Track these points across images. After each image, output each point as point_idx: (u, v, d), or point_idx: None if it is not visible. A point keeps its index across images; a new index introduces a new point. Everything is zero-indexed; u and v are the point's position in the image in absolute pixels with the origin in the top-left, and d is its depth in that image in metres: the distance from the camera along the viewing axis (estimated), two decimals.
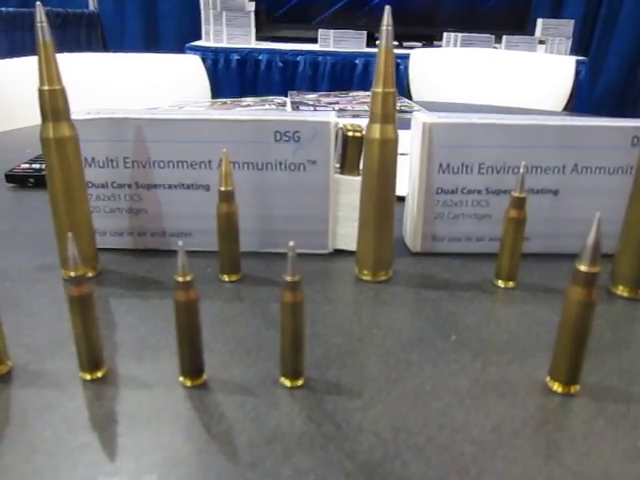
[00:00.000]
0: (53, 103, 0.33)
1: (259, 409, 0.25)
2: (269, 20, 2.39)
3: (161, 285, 0.36)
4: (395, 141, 0.34)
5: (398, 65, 2.15)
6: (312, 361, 0.28)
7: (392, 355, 0.29)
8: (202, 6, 2.27)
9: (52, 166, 0.34)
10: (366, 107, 1.00)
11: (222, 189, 0.35)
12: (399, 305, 0.34)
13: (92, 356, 0.27)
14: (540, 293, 0.36)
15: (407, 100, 1.10)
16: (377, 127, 0.34)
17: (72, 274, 0.25)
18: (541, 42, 2.14)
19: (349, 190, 0.39)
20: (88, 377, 0.27)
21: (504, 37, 2.14)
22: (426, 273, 0.38)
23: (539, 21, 2.19)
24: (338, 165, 0.40)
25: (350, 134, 0.39)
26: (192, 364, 0.26)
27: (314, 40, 2.23)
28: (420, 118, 0.38)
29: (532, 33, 2.20)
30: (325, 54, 2.17)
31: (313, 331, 0.31)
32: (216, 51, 2.19)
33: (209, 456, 0.22)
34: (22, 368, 0.27)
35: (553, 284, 0.37)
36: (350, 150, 0.39)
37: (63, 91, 0.33)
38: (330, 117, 0.38)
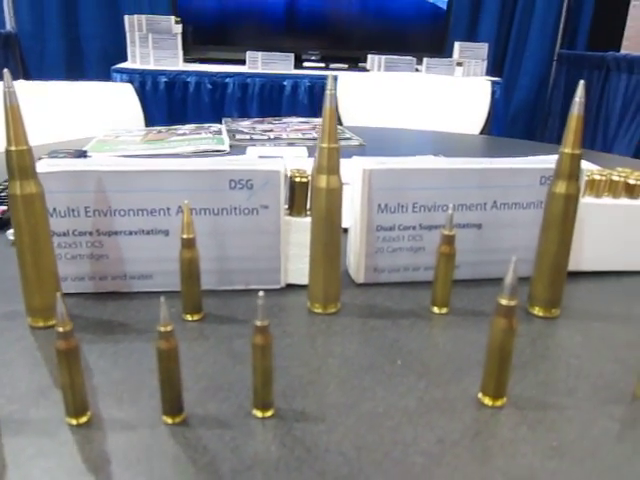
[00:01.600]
0: (20, 162, 0.35)
1: (237, 439, 0.28)
2: (196, 42, 2.41)
3: (127, 328, 0.39)
4: (339, 189, 0.39)
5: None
6: (279, 392, 0.31)
7: (347, 382, 0.33)
8: (127, 28, 2.25)
9: (19, 221, 0.36)
10: (300, 135, 1.05)
11: (184, 237, 0.38)
12: (349, 335, 0.38)
13: (78, 403, 0.29)
14: (470, 317, 0.41)
15: (340, 127, 1.15)
16: (324, 177, 0.38)
17: (60, 329, 0.27)
18: (459, 64, 2.27)
19: (298, 230, 0.43)
20: (74, 422, 0.29)
21: (424, 59, 2.26)
22: (370, 303, 0.43)
23: (456, 44, 2.33)
24: (287, 207, 0.44)
25: (297, 180, 0.43)
26: (173, 404, 0.29)
27: (242, 62, 2.26)
28: (360, 164, 0.43)
29: (450, 55, 2.33)
30: (254, 76, 2.21)
31: (276, 364, 0.34)
32: (143, 73, 2.18)
33: None
34: (8, 417, 0.29)
35: (480, 307, 0.42)
36: (298, 194, 0.43)
37: (30, 151, 0.36)
38: (279, 166, 0.42)
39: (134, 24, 2.26)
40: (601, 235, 0.47)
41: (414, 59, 2.28)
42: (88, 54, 2.61)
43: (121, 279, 0.43)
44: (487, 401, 0.31)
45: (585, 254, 0.47)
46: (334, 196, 0.38)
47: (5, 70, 0.34)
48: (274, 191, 0.42)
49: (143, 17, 2.25)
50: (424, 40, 2.42)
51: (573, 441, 0.29)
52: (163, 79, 2.19)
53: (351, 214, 0.45)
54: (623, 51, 2.44)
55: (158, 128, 1.13)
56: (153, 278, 0.43)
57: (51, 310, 0.39)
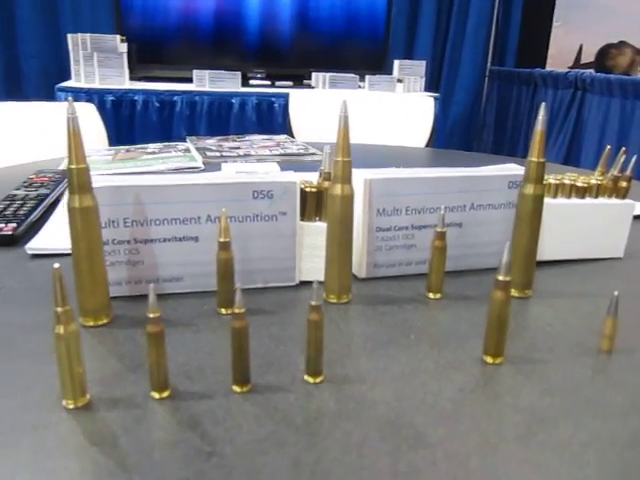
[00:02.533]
0: (80, 179, 0.40)
1: (299, 400, 0.34)
2: (142, 61, 2.43)
3: (168, 323, 0.44)
4: (352, 196, 0.46)
5: (272, 104, 2.30)
6: (325, 361, 0.38)
7: (375, 352, 0.40)
8: (70, 47, 2.25)
9: (77, 231, 0.41)
10: (268, 151, 1.11)
11: (221, 240, 0.44)
12: (365, 318, 0.45)
13: (162, 379, 0.34)
14: (460, 300, 0.49)
15: (301, 143, 1.22)
16: (339, 186, 0.45)
17: (151, 315, 0.33)
18: (399, 80, 2.41)
19: (310, 233, 0.50)
20: (157, 396, 0.34)
21: (367, 77, 2.38)
22: (374, 294, 0.50)
23: (396, 62, 2.46)
24: (299, 215, 0.50)
25: (308, 190, 0.50)
26: (243, 374, 0.35)
27: (189, 80, 2.30)
28: (361, 175, 0.50)
29: (390, 72, 2.46)
30: (202, 94, 2.25)
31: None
32: (89, 92, 2.18)
33: (281, 432, 0.31)
34: (98, 398, 0.34)
35: (467, 292, 0.50)
36: (309, 202, 0.50)
37: (87, 169, 0.41)
38: (295, 177, 0.49)
39: (78, 42, 2.26)
40: (558, 230, 0.56)
41: (357, 76, 2.39)
42: (27, 73, 2.57)
43: (155, 282, 0.48)
44: (489, 360, 0.39)
45: (546, 246, 0.56)
46: (347, 202, 0.46)
47: (69, 98, 0.39)
48: (291, 199, 0.48)
49: (87, 36, 2.26)
50: (365, 58, 2.55)
51: (559, 384, 0.37)
52: (110, 98, 2.20)
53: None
54: (548, 67, 2.66)
55: (126, 147, 1.16)
56: (184, 280, 0.49)
57: (101, 311, 0.44)
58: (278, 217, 0.49)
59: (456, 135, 2.85)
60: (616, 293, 0.40)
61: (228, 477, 0.28)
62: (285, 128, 1.86)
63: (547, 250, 0.56)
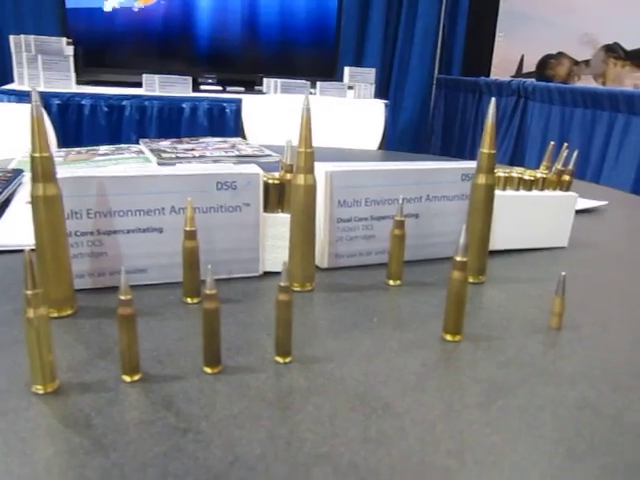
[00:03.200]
0: (44, 167, 0.40)
1: (270, 379, 0.35)
2: (89, 64, 2.38)
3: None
4: (314, 186, 0.47)
5: (224, 109, 2.29)
6: (292, 343, 0.39)
7: (341, 334, 0.41)
8: (13, 48, 2.18)
9: (40, 221, 0.41)
10: (223, 152, 1.12)
11: (187, 229, 0.45)
12: (329, 304, 0.47)
13: (134, 362, 0.35)
14: (419, 286, 0.51)
15: (256, 145, 1.23)
16: (302, 177, 0.47)
17: (123, 298, 0.33)
18: (350, 87, 2.45)
19: (273, 224, 0.51)
20: (129, 379, 0.35)
21: (318, 83, 2.41)
22: (337, 282, 0.51)
23: (346, 69, 2.50)
24: (262, 206, 0.52)
25: (271, 182, 0.51)
26: (214, 356, 0.36)
27: (139, 84, 2.27)
28: (323, 167, 0.51)
29: (341, 79, 2.50)
30: (151, 99, 2.22)
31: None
32: None
33: (255, 408, 0.32)
34: (68, 383, 0.34)
35: (425, 279, 0.53)
36: (271, 194, 0.51)
37: (51, 157, 0.41)
38: (258, 169, 0.50)
39: (21, 44, 2.20)
40: (508, 220, 0.59)
41: (308, 82, 2.41)
42: None
43: (118, 274, 0.48)
44: (449, 337, 0.41)
45: (497, 236, 0.59)
46: (310, 192, 0.47)
47: (33, 86, 0.39)
48: (255, 191, 0.49)
49: (31, 37, 2.19)
50: (316, 64, 2.58)
51: (514, 357, 0.39)
52: (56, 101, 2.15)
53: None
54: (492, 76, 2.76)
55: (77, 149, 1.14)
56: (148, 272, 0.49)
57: (66, 302, 0.44)
58: (242, 208, 0.50)
59: (406, 140, 2.92)
60: (563, 273, 0.43)
61: (206, 450, 0.29)
62: (237, 133, 1.86)
63: (498, 240, 0.59)
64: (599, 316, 0.46)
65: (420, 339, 0.41)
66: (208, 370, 0.36)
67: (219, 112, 2.31)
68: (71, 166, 0.97)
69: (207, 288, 0.35)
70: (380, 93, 2.72)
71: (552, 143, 0.63)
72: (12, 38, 2.20)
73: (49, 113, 2.15)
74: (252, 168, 0.50)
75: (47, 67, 2.20)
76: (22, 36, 2.18)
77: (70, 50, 2.26)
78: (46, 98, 2.12)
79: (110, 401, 0.33)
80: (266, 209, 0.51)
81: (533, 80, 2.43)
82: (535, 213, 0.60)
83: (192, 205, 0.44)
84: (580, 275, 0.56)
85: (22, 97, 2.09)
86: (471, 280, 0.52)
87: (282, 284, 0.36)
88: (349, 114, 1.81)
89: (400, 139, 2.88)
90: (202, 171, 0.48)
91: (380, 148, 1.76)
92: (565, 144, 0.62)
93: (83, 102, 2.17)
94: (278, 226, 0.51)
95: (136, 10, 2.38)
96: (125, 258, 0.48)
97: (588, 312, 0.47)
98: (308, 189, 0.47)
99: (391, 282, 0.51)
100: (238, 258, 0.51)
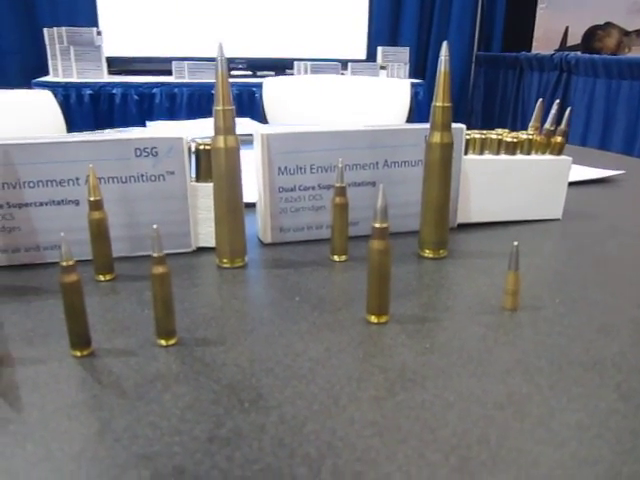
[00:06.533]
0: None
1: (141, 363, 0.30)
2: (120, 54, 2.39)
3: (40, 290, 0.40)
4: (237, 148, 0.42)
5: (253, 93, 2.26)
6: (182, 327, 0.34)
7: (248, 315, 0.36)
8: (47, 41, 2.22)
9: None
10: None
11: (91, 199, 0.40)
12: (253, 282, 0.42)
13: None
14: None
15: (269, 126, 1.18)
16: (221, 138, 0.41)
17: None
18: (382, 68, 2.36)
19: (205, 195, 0.46)
20: None
21: (349, 64, 2.33)
22: (276, 257, 0.46)
23: (379, 49, 2.41)
24: (194, 176, 0.47)
25: (201, 147, 0.46)
26: (80, 337, 0.31)
27: (168, 72, 2.27)
28: (259, 130, 0.46)
29: (374, 60, 2.42)
30: (181, 85, 2.21)
31: (182, 307, 0.37)
32: (66, 86, 2.14)
33: (103, 397, 0.27)
34: None
35: None
36: (203, 161, 0.46)
37: None
38: (182, 133, 0.44)
39: (54, 36, 2.23)
40: (486, 188, 0.52)
41: (339, 64, 2.34)
42: (6, 69, 2.54)
43: (34, 250, 0.45)
44: (372, 319, 0.35)
45: (472, 207, 0.52)
46: (232, 155, 0.42)
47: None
48: (178, 157, 0.44)
49: (63, 29, 2.22)
50: (348, 45, 2.50)
51: (444, 343, 0.33)
52: (88, 91, 2.16)
53: (256, 181, 0.48)
54: (534, 51, 2.60)
55: (82, 134, 1.12)
56: None
57: None
58: (165, 177, 0.45)
59: None
60: (516, 243, 0.36)
61: (22, 445, 0.24)
62: (265, 117, 1.82)
63: (472, 212, 0.52)
64: (570, 297, 0.39)
65: (339, 321, 0.35)
66: (76, 353, 0.31)
67: (248, 97, 2.27)
68: None
69: (63, 258, 0.30)
70: (416, 73, 2.62)
71: (540, 100, 0.55)
72: (46, 31, 2.23)
73: (82, 103, 2.18)
74: (176, 133, 0.45)
75: (79, 58, 2.23)
76: (55, 28, 2.21)
77: (101, 40, 2.28)
78: (78, 89, 2.15)
79: None
80: (198, 179, 0.46)
81: (577, 53, 2.27)
82: (519, 180, 0.53)
83: (94, 172, 0.40)
84: (567, 250, 0.48)
85: (55, 88, 2.12)
86: (430, 255, 0.46)
87: (155, 255, 0.31)
88: (374, 93, 1.74)
89: None
90: (117, 136, 0.44)
91: None
92: (557, 100, 0.54)
93: (114, 91, 2.18)
94: (210, 197, 0.45)
95: None
96: (40, 233, 0.44)
97: (558, 292, 0.40)
98: (230, 152, 0.41)
99: (335, 258, 0.45)
100: (166, 232, 0.45)
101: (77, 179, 0.44)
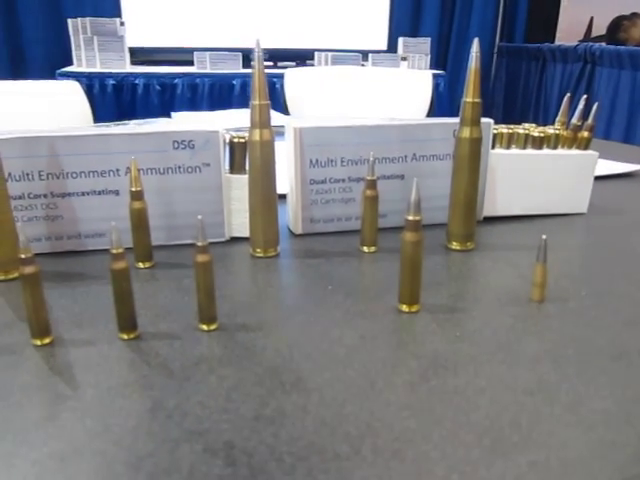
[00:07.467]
0: None
1: (185, 346, 0.32)
2: (143, 43, 2.41)
3: (84, 276, 0.42)
4: (272, 142, 0.43)
5: (274, 84, 2.27)
6: (222, 313, 0.35)
7: (283, 303, 0.37)
8: (71, 32, 2.24)
9: None
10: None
11: (133, 189, 0.42)
12: (287, 271, 0.43)
13: (42, 324, 0.32)
14: (396, 253, 0.46)
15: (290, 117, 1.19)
16: (257, 132, 0.43)
17: (23, 256, 0.31)
18: (403, 59, 2.35)
19: (239, 187, 0.48)
20: (39, 342, 0.33)
21: (370, 55, 2.33)
22: (307, 248, 0.47)
23: (400, 40, 2.40)
24: (228, 167, 0.48)
25: (236, 140, 0.47)
26: (127, 320, 0.33)
27: (190, 62, 2.29)
28: (291, 124, 0.47)
29: (395, 51, 2.41)
30: (203, 76, 2.23)
31: (220, 294, 0.38)
32: (90, 76, 2.17)
33: (153, 377, 0.29)
34: None
35: None
36: (237, 153, 0.47)
37: None
38: (218, 127, 0.46)
39: (78, 27, 2.25)
40: (513, 182, 0.53)
41: (360, 55, 2.34)
42: (31, 60, 2.58)
43: (76, 238, 0.47)
44: (404, 308, 0.36)
45: (498, 200, 0.53)
46: (267, 148, 0.43)
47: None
48: (214, 150, 0.46)
49: (87, 20, 2.25)
50: (369, 36, 2.49)
51: (473, 332, 0.34)
52: (111, 81, 2.19)
53: (287, 173, 0.49)
54: (557, 42, 2.58)
55: (107, 124, 1.15)
56: (106, 236, 0.47)
57: (11, 264, 0.42)
58: (202, 169, 0.46)
59: None
60: (544, 237, 0.37)
61: (81, 420, 0.26)
62: (286, 108, 1.83)
63: (498, 205, 0.53)
64: (596, 290, 0.40)
65: (371, 309, 0.36)
66: (124, 336, 0.33)
67: (269, 87, 2.28)
68: None
69: (113, 247, 0.32)
70: (437, 64, 2.61)
71: (568, 95, 0.55)
72: (70, 21, 2.25)
73: (105, 93, 2.21)
74: (212, 126, 0.46)
75: (102, 48, 2.25)
76: (79, 19, 2.23)
77: (124, 30, 2.30)
78: (101, 79, 2.17)
79: (12, 364, 0.30)
80: (232, 170, 0.48)
81: (602, 44, 2.24)
82: (546, 175, 0.53)
83: (136, 164, 0.42)
84: (593, 244, 0.49)
85: (79, 78, 2.15)
86: (457, 248, 0.47)
87: (199, 244, 0.32)
88: (396, 84, 1.74)
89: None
90: (157, 129, 0.45)
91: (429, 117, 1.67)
92: (584, 96, 0.54)
93: (136, 81, 2.21)
94: (243, 188, 0.47)
95: None
96: (82, 222, 0.46)
97: (585, 285, 0.41)
98: (265, 145, 0.43)
99: (365, 249, 0.46)
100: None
101: (117, 170, 0.45)
